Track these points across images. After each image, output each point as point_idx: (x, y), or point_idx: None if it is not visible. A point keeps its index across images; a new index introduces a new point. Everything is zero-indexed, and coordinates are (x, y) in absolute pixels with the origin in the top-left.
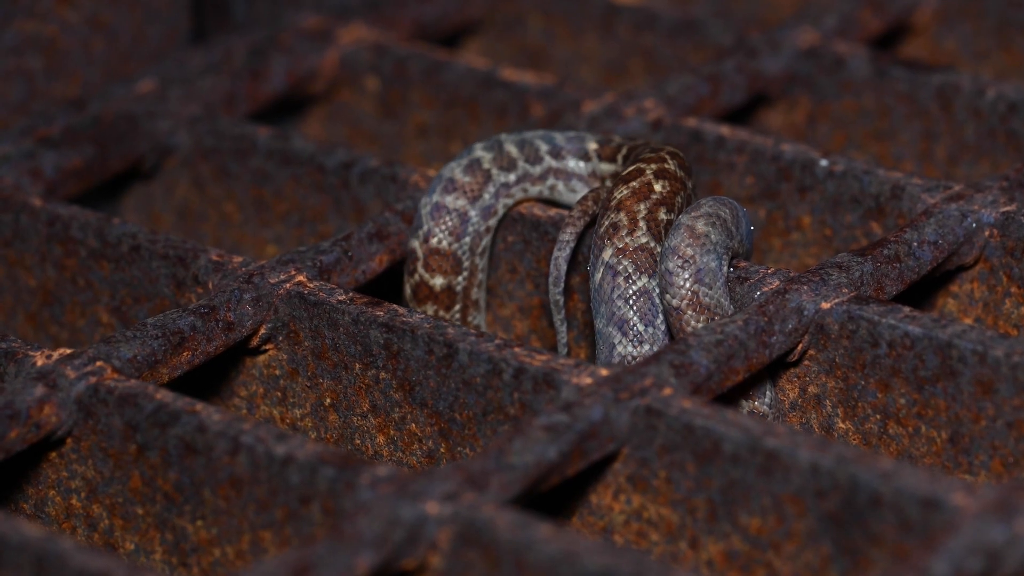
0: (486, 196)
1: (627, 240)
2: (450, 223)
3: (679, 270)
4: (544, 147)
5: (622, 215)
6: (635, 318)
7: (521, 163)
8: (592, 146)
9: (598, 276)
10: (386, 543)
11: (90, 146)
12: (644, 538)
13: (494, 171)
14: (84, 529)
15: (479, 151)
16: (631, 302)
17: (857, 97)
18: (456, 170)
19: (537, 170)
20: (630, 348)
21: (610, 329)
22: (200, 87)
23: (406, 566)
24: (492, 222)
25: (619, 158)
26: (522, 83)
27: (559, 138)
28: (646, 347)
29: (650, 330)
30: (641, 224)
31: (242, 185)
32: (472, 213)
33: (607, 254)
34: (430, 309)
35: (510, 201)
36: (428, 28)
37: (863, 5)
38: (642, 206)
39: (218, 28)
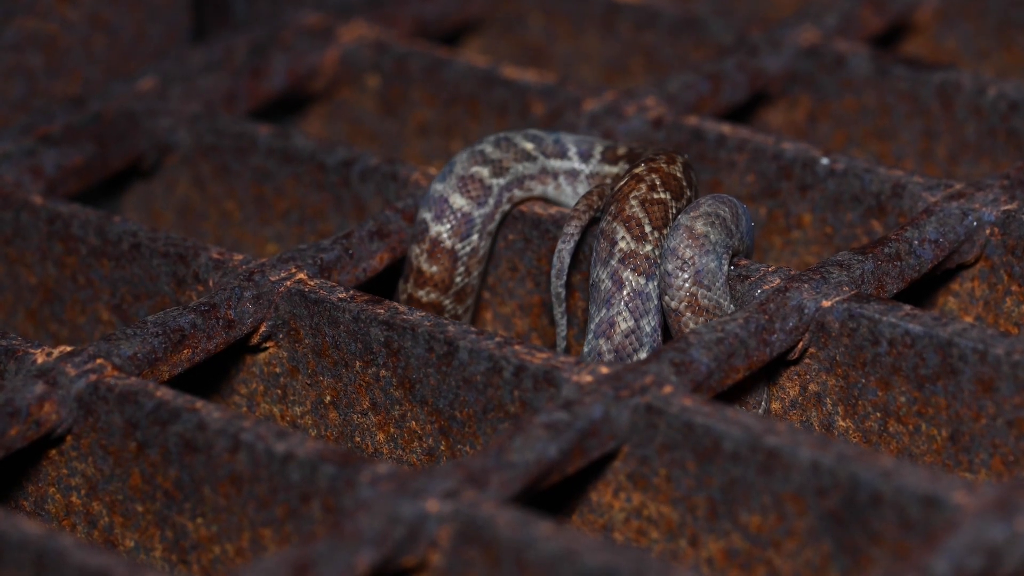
0: (457, 280)
1: (663, 166)
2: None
3: (678, 271)
4: (485, 172)
5: (662, 157)
6: (645, 219)
7: (476, 211)
8: (528, 145)
9: (621, 183)
10: (386, 541)
11: (91, 144)
12: (644, 536)
13: (457, 246)
14: (84, 526)
15: (430, 222)
16: (646, 206)
17: (858, 95)
18: (421, 258)
19: (487, 209)
20: (632, 245)
21: (615, 225)
22: (201, 85)
23: (406, 564)
24: (471, 300)
25: (571, 155)
26: (523, 81)
27: (488, 149)
28: (648, 247)
29: (655, 234)
30: (679, 166)
31: (243, 183)
32: (447, 302)
33: (640, 168)
34: None
35: (481, 267)
36: (429, 26)
37: (864, 4)
38: (681, 160)
39: (219, 26)
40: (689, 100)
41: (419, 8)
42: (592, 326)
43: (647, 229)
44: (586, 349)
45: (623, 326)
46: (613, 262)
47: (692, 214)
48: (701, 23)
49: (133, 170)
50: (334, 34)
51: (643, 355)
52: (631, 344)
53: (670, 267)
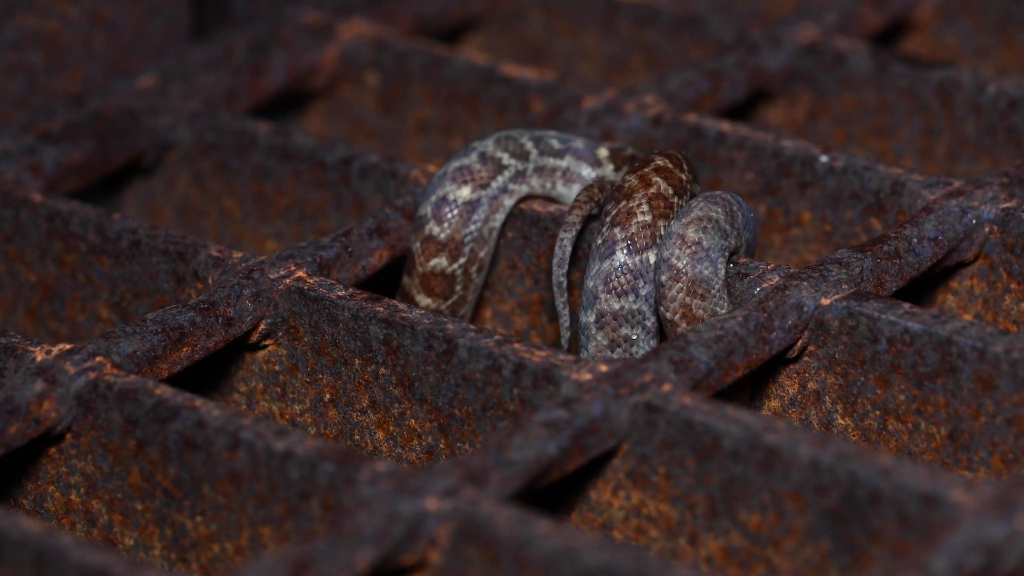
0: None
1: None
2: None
3: (671, 282)
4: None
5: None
6: (684, 163)
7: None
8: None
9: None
10: (386, 539)
11: (91, 141)
12: (643, 534)
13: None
14: (83, 525)
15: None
16: (682, 156)
17: (858, 93)
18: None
19: (480, 245)
20: (670, 165)
21: (655, 155)
22: (201, 82)
23: (406, 562)
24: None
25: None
26: (523, 79)
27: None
28: (684, 176)
29: (690, 175)
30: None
31: (242, 180)
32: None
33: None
34: None
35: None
36: (429, 23)
37: (864, 1)
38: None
39: (219, 23)
40: (689, 98)
41: (419, 6)
42: (608, 218)
43: (684, 167)
44: (599, 241)
45: (641, 218)
46: (646, 169)
47: (683, 220)
48: (701, 21)
49: (133, 168)
50: (334, 32)
51: (651, 256)
52: (645, 237)
53: (663, 278)
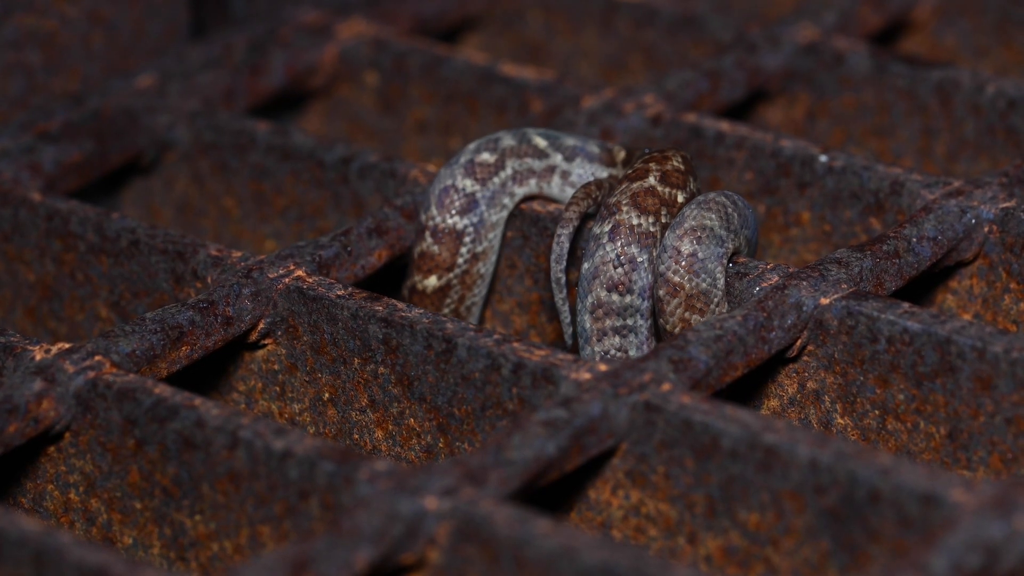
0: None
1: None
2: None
3: (669, 297)
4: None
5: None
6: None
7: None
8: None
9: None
10: (385, 538)
11: (89, 141)
12: (642, 533)
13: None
14: (82, 523)
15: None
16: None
17: (857, 93)
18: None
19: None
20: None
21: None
22: (199, 82)
23: (405, 561)
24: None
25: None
26: (522, 79)
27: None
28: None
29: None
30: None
31: (241, 180)
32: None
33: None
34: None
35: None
36: (428, 23)
37: (863, 1)
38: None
39: (217, 23)
40: (688, 97)
41: (418, 5)
42: (640, 160)
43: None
44: (631, 171)
45: (676, 164)
46: (671, 146)
47: (678, 232)
48: (700, 20)
49: (132, 167)
50: (333, 31)
51: (680, 195)
52: (678, 178)
53: (661, 292)
